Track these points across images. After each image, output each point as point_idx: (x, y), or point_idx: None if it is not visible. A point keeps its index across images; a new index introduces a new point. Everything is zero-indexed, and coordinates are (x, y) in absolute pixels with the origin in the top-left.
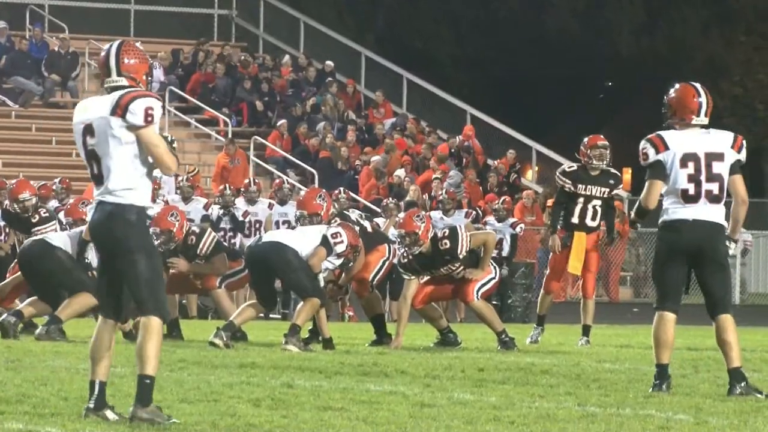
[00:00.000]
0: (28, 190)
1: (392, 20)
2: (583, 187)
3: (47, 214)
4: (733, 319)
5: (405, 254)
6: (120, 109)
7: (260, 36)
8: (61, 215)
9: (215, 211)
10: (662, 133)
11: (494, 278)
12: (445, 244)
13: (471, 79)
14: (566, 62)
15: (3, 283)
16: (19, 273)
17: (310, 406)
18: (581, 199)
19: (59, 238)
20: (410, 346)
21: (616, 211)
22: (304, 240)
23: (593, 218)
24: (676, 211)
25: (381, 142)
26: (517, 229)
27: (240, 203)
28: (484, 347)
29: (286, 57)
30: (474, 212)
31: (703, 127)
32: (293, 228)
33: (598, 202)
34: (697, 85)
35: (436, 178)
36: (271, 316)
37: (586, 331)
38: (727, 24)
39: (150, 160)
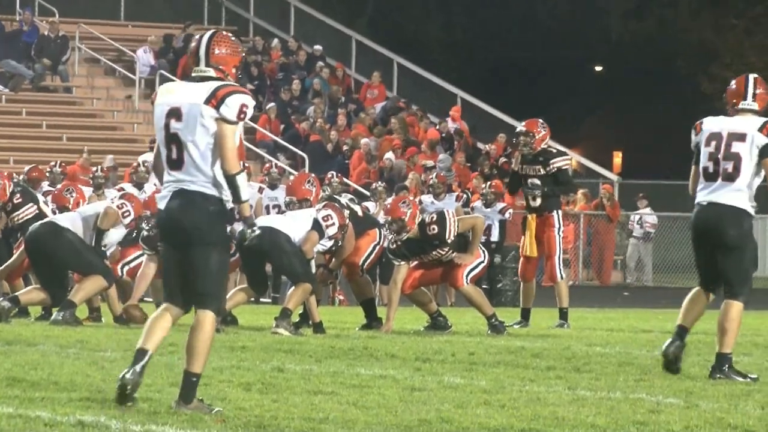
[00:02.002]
0: None
1: (382, 4)
2: (520, 167)
3: (20, 200)
4: (739, 305)
5: (394, 239)
6: (215, 100)
7: (250, 20)
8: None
9: None
10: (706, 118)
11: (483, 262)
12: (433, 229)
13: (461, 63)
14: (557, 46)
15: (6, 263)
16: (20, 252)
17: (300, 390)
18: (523, 181)
19: (67, 219)
20: (401, 330)
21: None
22: (295, 225)
23: (533, 199)
24: (698, 194)
25: (373, 125)
26: (506, 215)
27: None
28: (475, 331)
29: (276, 40)
30: (465, 195)
31: (754, 113)
32: (283, 212)
33: (536, 182)
34: (751, 75)
35: (429, 167)
36: (261, 300)
37: (562, 314)
38: (717, 8)
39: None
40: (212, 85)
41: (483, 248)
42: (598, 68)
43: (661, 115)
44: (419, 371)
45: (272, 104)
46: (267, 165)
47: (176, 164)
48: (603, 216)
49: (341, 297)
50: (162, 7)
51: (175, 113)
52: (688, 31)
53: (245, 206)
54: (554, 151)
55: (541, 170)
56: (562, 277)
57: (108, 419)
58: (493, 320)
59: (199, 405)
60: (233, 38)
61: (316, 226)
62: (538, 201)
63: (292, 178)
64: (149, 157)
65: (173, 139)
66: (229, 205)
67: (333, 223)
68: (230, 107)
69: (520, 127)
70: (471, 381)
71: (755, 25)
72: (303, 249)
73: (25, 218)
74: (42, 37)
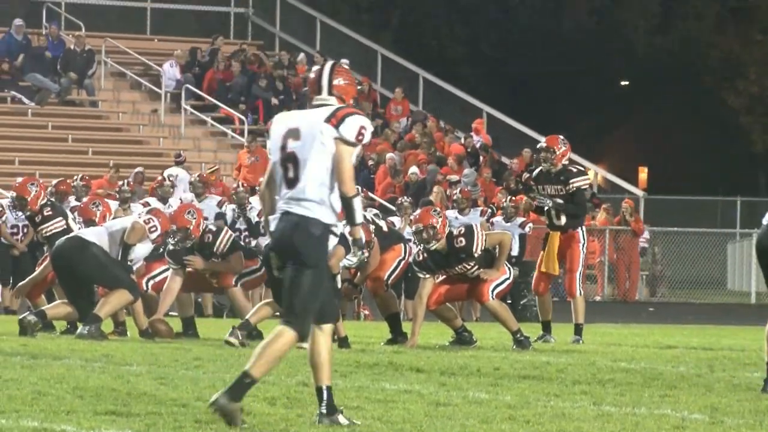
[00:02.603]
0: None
1: (407, 18)
2: (541, 187)
3: (50, 212)
4: None
5: (420, 252)
6: (335, 119)
7: (276, 34)
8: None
9: (229, 210)
10: None
11: (508, 278)
12: (461, 242)
13: (486, 78)
14: (581, 60)
15: (29, 277)
16: (44, 267)
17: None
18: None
19: (94, 234)
20: (426, 345)
21: (588, 207)
22: None
23: (557, 217)
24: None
25: (397, 140)
26: (526, 229)
27: (255, 201)
28: (500, 346)
29: (302, 55)
30: (489, 210)
31: None
32: None
33: (559, 201)
34: None
35: (454, 182)
36: None
37: (577, 329)
38: (743, 22)
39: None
40: (332, 107)
41: (508, 264)
42: (624, 83)
43: (688, 130)
44: (444, 386)
45: None
46: None
47: (292, 183)
48: (628, 231)
49: (366, 312)
50: (188, 21)
51: (293, 133)
52: (714, 45)
53: (357, 229)
54: (574, 170)
55: (562, 190)
56: (580, 293)
57: None
58: (519, 335)
59: (237, 411)
60: (349, 70)
61: (342, 241)
62: (563, 219)
63: None
64: (174, 171)
65: (290, 159)
66: (338, 229)
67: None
68: (349, 127)
69: (541, 143)
70: (496, 396)
71: None
72: (328, 264)
73: (53, 232)
74: (68, 51)
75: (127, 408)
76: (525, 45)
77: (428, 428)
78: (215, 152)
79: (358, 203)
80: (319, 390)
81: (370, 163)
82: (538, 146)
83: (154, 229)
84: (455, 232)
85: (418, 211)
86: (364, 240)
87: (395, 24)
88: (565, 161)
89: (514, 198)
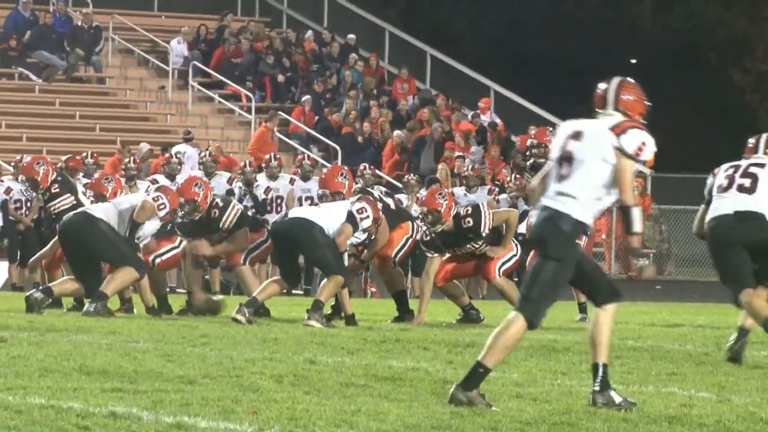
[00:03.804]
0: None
1: None
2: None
3: (58, 189)
4: None
5: (428, 231)
6: (619, 129)
7: (283, 11)
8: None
9: (236, 188)
10: None
11: (516, 256)
12: (468, 222)
13: (492, 55)
14: (586, 37)
15: (39, 253)
16: (53, 243)
17: (332, 382)
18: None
19: (102, 210)
20: (433, 323)
21: None
22: (329, 216)
23: None
24: None
25: (405, 119)
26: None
27: (261, 179)
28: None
29: (309, 32)
30: (497, 189)
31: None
32: (316, 204)
33: None
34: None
35: (459, 157)
36: (293, 292)
37: (581, 308)
38: (750, 0)
39: (610, 191)
40: (619, 118)
41: (516, 242)
42: (633, 60)
43: (695, 108)
44: (451, 364)
45: (307, 96)
46: (300, 157)
47: (563, 178)
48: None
49: (373, 289)
50: None
51: (576, 135)
52: (720, 23)
53: (635, 238)
54: None
55: None
56: None
57: (140, 410)
58: None
59: (477, 397)
60: (638, 86)
61: (350, 218)
62: None
63: (324, 170)
64: (182, 148)
65: (566, 157)
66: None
67: (367, 216)
68: (630, 140)
69: (531, 139)
70: (503, 374)
71: None
72: (336, 241)
73: (62, 208)
74: (75, 27)
75: (133, 385)
76: (529, 22)
77: (435, 406)
78: (222, 129)
79: (636, 213)
80: (595, 366)
81: (377, 138)
82: (528, 142)
83: (162, 206)
84: (462, 212)
85: (424, 192)
86: (638, 247)
87: (403, 1)
88: None
89: (518, 177)
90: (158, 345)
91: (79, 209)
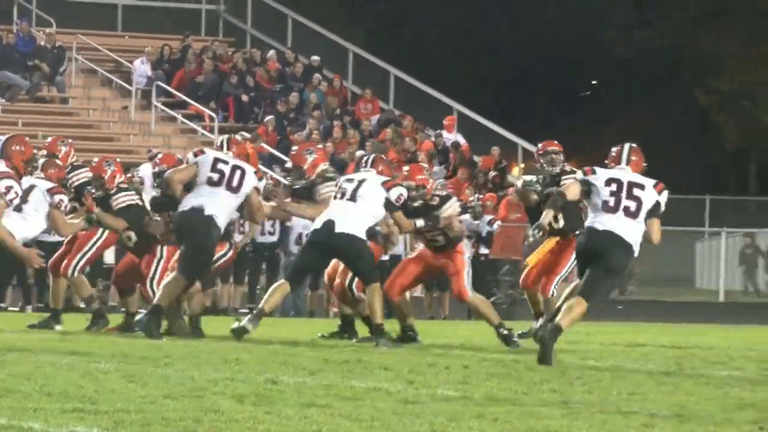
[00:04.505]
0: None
1: (381, 16)
2: (540, 190)
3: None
4: None
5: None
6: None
7: (247, 31)
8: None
9: None
10: None
11: (469, 270)
12: (436, 200)
13: (458, 76)
14: (554, 58)
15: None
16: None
17: (293, 402)
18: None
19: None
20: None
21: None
22: (365, 213)
23: (555, 220)
24: None
25: (367, 138)
26: (494, 226)
27: None
28: (468, 344)
29: (272, 52)
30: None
31: None
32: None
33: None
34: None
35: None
36: (239, 310)
37: (537, 317)
38: (717, 20)
39: None
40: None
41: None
42: (594, 81)
43: (660, 128)
44: (412, 384)
45: (270, 116)
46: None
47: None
48: None
49: (335, 309)
50: (159, 18)
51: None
52: (688, 43)
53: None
54: (569, 170)
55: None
56: (553, 294)
57: (101, 431)
58: (501, 330)
59: None
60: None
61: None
62: (560, 222)
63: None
64: (144, 168)
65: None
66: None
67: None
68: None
69: (553, 146)
70: (464, 394)
71: (754, 37)
72: (400, 223)
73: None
74: (39, 47)
75: (95, 405)
76: (497, 43)
77: (396, 426)
78: (185, 149)
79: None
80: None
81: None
82: (546, 149)
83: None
84: (439, 192)
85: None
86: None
87: (368, 21)
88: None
89: (481, 197)
90: (120, 365)
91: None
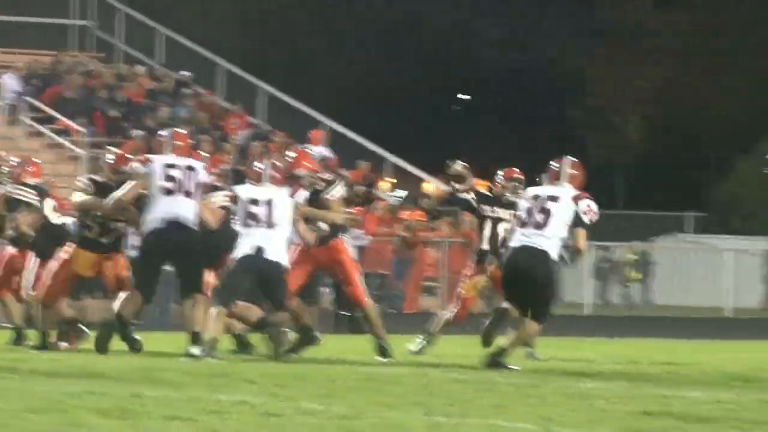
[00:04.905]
0: None
1: (252, 32)
2: (490, 209)
3: None
4: None
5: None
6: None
7: (118, 46)
8: None
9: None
10: None
11: (361, 274)
12: (322, 185)
13: (329, 93)
14: (425, 74)
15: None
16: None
17: (157, 415)
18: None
19: None
20: (260, 357)
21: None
22: None
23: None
24: None
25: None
26: (365, 241)
27: None
28: (334, 357)
29: (141, 67)
30: None
31: None
32: None
33: (507, 226)
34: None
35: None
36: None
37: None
38: (587, 37)
39: None
40: None
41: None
42: (466, 96)
43: (526, 142)
44: (277, 397)
45: (139, 132)
46: None
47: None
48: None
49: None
50: (30, 33)
51: None
52: (557, 60)
53: None
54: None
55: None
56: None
57: None
58: (381, 342)
59: None
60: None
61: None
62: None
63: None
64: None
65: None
66: None
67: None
68: None
69: (517, 174)
70: (328, 407)
71: (622, 55)
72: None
73: None
74: None
75: None
76: (374, 59)
77: None
78: (53, 164)
79: None
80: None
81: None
82: (511, 176)
83: None
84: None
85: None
86: None
87: (238, 39)
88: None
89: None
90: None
91: None
